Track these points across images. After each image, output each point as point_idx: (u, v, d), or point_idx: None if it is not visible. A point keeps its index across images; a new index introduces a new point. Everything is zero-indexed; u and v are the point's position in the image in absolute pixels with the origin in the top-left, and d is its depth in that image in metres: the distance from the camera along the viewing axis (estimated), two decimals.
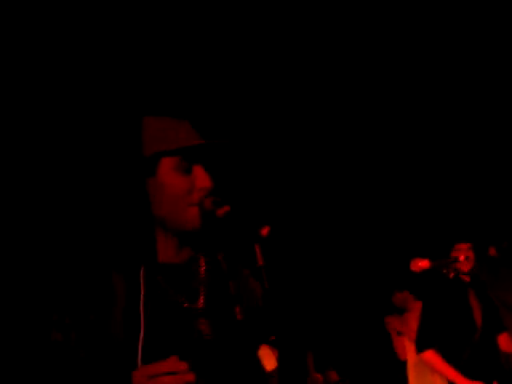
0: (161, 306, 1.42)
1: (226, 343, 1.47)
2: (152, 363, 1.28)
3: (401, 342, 5.10)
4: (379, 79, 4.22)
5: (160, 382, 1.25)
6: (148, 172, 1.47)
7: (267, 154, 4.09)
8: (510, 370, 3.38)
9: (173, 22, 3.42)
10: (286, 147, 4.33)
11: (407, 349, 4.98)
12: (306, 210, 4.64)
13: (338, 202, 4.84)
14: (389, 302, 5.21)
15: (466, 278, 3.49)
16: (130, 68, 3.38)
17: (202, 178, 1.48)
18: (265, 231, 1.50)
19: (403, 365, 5.05)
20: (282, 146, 4.28)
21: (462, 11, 3.77)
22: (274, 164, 4.27)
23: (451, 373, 3.31)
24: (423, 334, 3.49)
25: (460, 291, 3.55)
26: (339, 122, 4.48)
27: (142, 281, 1.41)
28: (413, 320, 4.69)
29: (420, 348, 3.46)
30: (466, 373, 3.31)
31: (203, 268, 1.57)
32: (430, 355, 3.39)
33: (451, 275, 3.36)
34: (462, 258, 3.31)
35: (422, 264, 3.24)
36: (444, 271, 3.36)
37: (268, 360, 1.79)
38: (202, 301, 1.50)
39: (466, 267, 3.37)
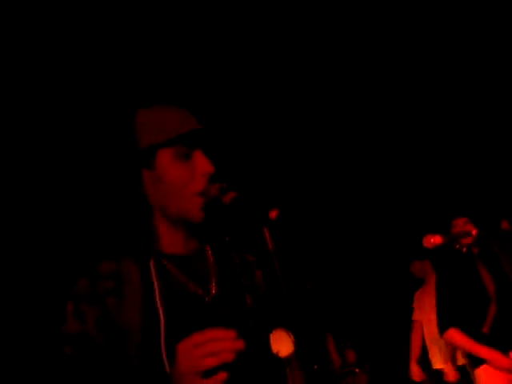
0: (176, 295, 1.41)
1: (240, 331, 1.46)
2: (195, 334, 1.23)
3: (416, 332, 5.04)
4: (375, 67, 4.19)
5: (208, 348, 1.19)
6: (145, 164, 1.44)
7: (270, 135, 4.07)
8: None
9: (163, 11, 3.39)
10: (293, 129, 4.31)
11: (423, 323, 4.94)
12: (315, 190, 4.63)
13: (347, 181, 4.82)
14: (408, 275, 5.15)
15: (478, 251, 3.47)
16: (122, 58, 3.36)
17: (202, 163, 1.45)
18: (274, 214, 1.47)
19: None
20: (288, 128, 4.26)
21: (462, 11, 3.73)
22: (279, 145, 4.24)
23: (476, 348, 3.29)
24: (443, 315, 3.46)
25: (472, 265, 3.52)
26: (344, 105, 4.46)
27: (153, 271, 1.39)
28: (431, 293, 4.66)
29: (442, 329, 3.43)
30: (489, 344, 3.30)
31: (211, 258, 1.55)
32: (453, 333, 3.37)
33: (464, 249, 3.34)
34: (474, 232, 3.28)
35: (435, 240, 3.21)
36: (457, 246, 3.34)
37: (284, 344, 1.77)
38: (214, 289, 1.48)
39: (476, 241, 3.34)
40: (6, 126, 3.19)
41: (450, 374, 4.62)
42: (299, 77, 4.13)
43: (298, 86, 4.17)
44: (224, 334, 1.22)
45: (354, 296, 5.81)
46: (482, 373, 3.34)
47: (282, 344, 1.61)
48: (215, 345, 1.21)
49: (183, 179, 1.45)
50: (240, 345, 1.21)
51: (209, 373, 1.22)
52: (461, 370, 4.54)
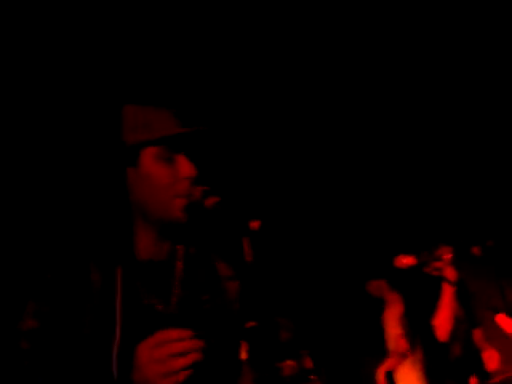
0: (136, 305, 1.37)
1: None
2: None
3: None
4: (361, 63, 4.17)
5: (175, 348, 1.17)
6: (130, 162, 1.42)
7: (256, 143, 4.05)
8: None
9: (153, 9, 3.33)
10: (277, 139, 4.29)
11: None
12: (297, 204, 4.62)
13: (327, 196, 4.83)
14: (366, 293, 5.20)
15: (448, 276, 3.49)
16: (109, 56, 3.29)
17: (185, 167, 1.44)
18: (256, 224, 1.44)
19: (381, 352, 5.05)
20: (273, 138, 4.24)
21: (462, 11, 3.75)
22: (265, 155, 4.23)
23: None
24: None
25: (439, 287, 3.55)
26: (327, 114, 4.45)
27: (118, 280, 1.35)
28: (390, 314, 4.70)
29: None
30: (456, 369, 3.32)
31: (180, 264, 1.52)
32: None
33: (434, 273, 3.36)
34: (446, 256, 3.30)
35: (407, 261, 3.22)
36: (428, 269, 3.36)
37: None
38: (173, 301, 1.45)
39: (448, 267, 3.37)
40: None
41: None
42: (284, 85, 4.10)
43: (282, 95, 4.14)
44: (186, 334, 1.19)
45: (320, 306, 5.83)
46: None
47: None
48: (182, 344, 1.18)
49: (166, 180, 1.43)
50: (200, 344, 1.19)
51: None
52: None
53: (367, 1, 3.72)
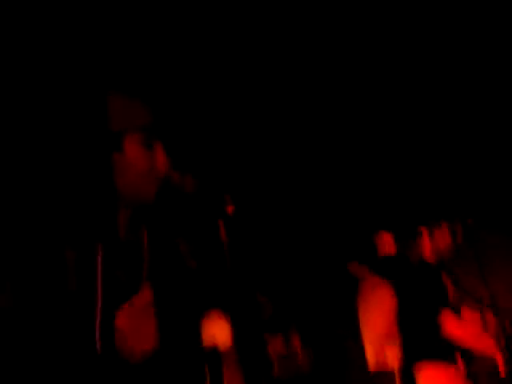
0: (115, 282, 1.45)
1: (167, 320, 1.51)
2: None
3: None
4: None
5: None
6: (115, 147, 1.50)
7: (232, 128, 4.09)
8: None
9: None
10: (252, 121, 4.32)
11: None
12: (273, 189, 4.67)
13: (305, 178, 4.87)
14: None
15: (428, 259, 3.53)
16: (96, 47, 3.33)
17: (161, 154, 1.53)
18: (229, 209, 1.53)
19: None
20: (247, 121, 4.27)
21: (462, 11, 3.77)
22: (242, 140, 4.27)
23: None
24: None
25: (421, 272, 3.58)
26: (308, 99, 4.46)
27: (99, 257, 1.42)
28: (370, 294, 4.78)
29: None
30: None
31: (146, 244, 1.59)
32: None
33: (413, 257, 3.43)
34: (427, 244, 3.38)
35: (386, 238, 3.30)
36: (407, 252, 3.44)
37: (220, 333, 1.81)
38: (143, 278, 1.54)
39: (427, 249, 3.43)
40: None
41: None
42: (267, 70, 4.11)
43: (261, 78, 4.15)
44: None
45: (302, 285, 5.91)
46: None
47: (219, 332, 1.66)
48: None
49: (146, 165, 1.51)
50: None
51: None
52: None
53: (367, 1, 3.74)
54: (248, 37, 3.68)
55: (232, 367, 1.82)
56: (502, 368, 3.21)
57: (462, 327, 3.24)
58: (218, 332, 1.65)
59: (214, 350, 1.61)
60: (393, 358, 4.71)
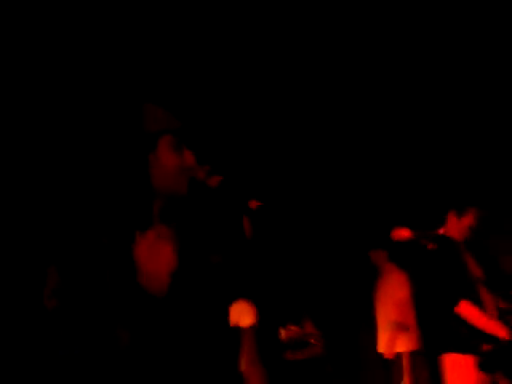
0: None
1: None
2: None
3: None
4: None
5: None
6: (150, 148, 1.67)
7: (256, 129, 4.17)
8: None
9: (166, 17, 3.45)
10: (274, 123, 4.39)
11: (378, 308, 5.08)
12: (295, 187, 4.75)
13: (326, 176, 4.93)
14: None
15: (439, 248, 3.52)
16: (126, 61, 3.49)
17: (188, 155, 1.69)
18: (253, 204, 1.58)
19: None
20: (270, 122, 4.35)
21: (462, 11, 3.77)
22: (265, 138, 4.35)
23: (486, 322, 3.25)
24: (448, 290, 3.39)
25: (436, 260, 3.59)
26: (327, 100, 4.50)
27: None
28: (387, 281, 4.82)
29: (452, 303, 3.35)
30: None
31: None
32: (465, 306, 3.31)
33: (430, 246, 3.45)
34: (441, 231, 3.41)
35: (403, 233, 3.33)
36: (423, 242, 3.46)
37: (245, 315, 1.89)
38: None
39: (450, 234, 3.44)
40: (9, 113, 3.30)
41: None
42: (277, 68, 4.15)
43: (277, 78, 4.21)
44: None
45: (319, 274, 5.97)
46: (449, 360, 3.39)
47: (243, 315, 1.75)
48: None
49: (176, 163, 1.67)
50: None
51: None
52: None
53: (367, 1, 3.76)
54: (263, 43, 3.77)
55: (250, 346, 1.93)
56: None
57: (480, 314, 3.26)
58: (242, 315, 1.76)
59: (237, 329, 1.72)
60: (405, 345, 4.77)
